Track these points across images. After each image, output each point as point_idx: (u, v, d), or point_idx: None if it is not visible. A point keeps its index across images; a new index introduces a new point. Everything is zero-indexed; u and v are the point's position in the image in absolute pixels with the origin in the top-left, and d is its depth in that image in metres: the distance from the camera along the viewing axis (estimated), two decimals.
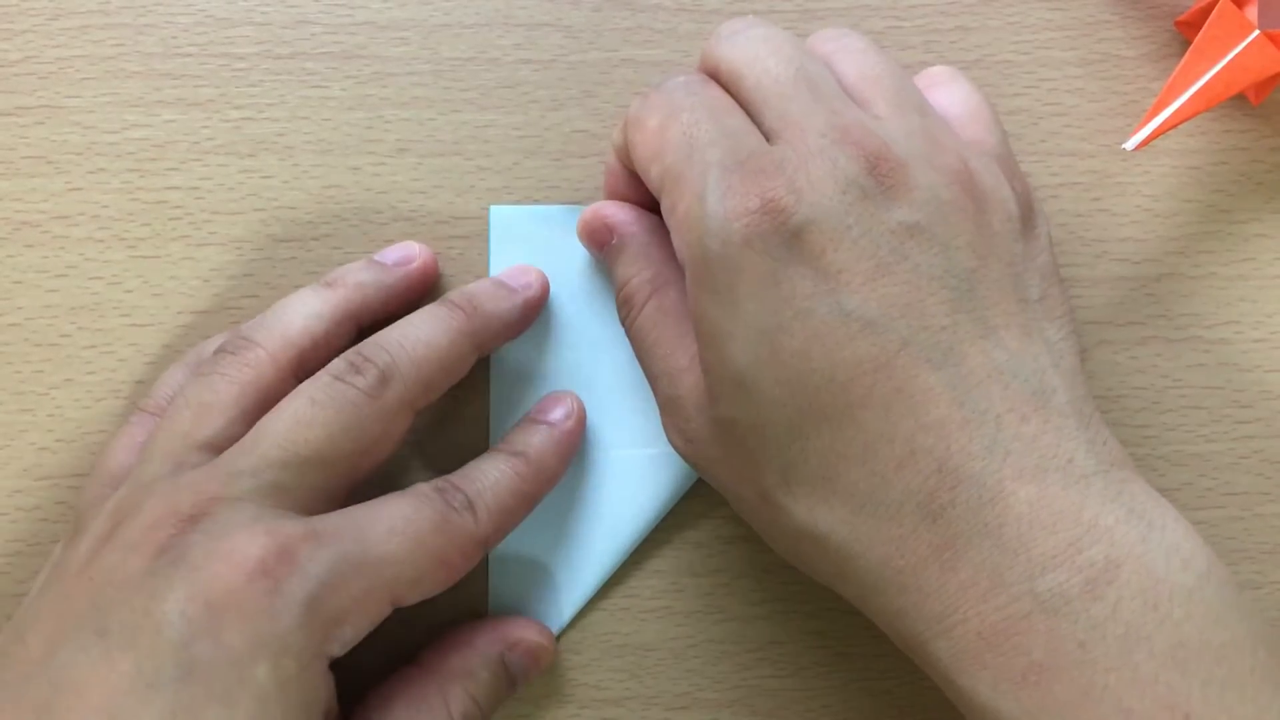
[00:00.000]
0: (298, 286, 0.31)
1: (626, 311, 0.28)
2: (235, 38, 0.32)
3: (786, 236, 0.23)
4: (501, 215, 0.31)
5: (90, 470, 0.28)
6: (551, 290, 0.31)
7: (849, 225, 0.23)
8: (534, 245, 0.31)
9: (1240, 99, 0.32)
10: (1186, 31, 0.33)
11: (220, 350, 0.27)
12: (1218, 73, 0.29)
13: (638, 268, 0.28)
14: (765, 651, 0.30)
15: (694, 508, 0.31)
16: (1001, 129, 0.27)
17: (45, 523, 0.30)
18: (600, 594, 0.30)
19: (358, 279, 0.29)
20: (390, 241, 0.31)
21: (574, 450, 0.29)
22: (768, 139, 0.25)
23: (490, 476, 0.27)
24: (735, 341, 0.24)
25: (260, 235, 0.31)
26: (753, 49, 0.26)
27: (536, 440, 0.28)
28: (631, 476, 0.30)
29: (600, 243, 0.29)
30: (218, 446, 0.26)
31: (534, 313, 0.30)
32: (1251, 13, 0.30)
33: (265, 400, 0.26)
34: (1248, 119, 0.33)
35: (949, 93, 0.27)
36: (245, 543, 0.23)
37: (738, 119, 0.25)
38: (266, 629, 0.22)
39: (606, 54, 0.32)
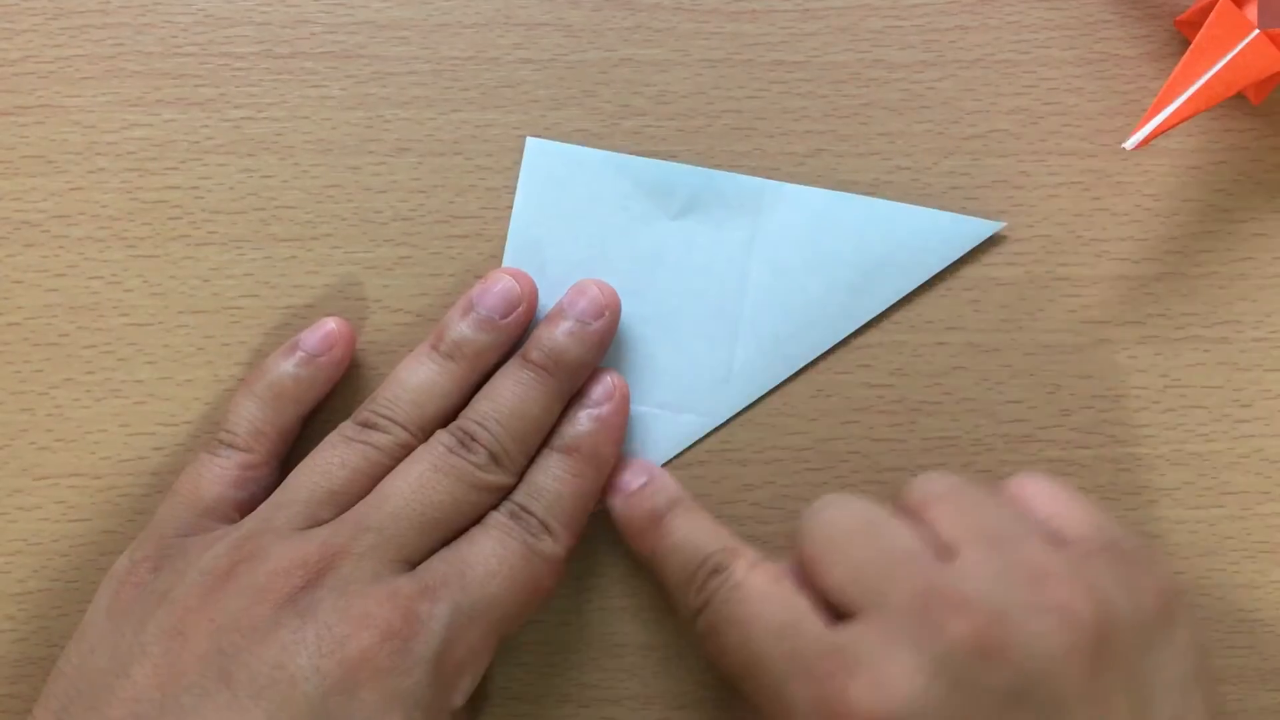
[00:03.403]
0: (298, 286, 0.31)
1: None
2: (235, 37, 0.32)
3: None
4: (538, 150, 0.31)
5: (168, 490, 0.28)
6: (576, 238, 0.31)
7: (949, 713, 0.22)
8: (566, 186, 0.31)
9: (1240, 99, 0.32)
10: (1186, 31, 0.33)
11: (366, 424, 0.28)
12: (1217, 72, 0.29)
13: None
14: None
15: None
16: (1103, 517, 0.25)
17: (45, 522, 0.30)
18: (600, 593, 0.30)
19: (476, 348, 0.29)
20: (390, 241, 0.31)
21: (624, 431, 0.30)
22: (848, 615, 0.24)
23: (553, 489, 0.28)
24: None
25: (260, 235, 0.31)
26: (827, 521, 0.25)
27: (587, 433, 0.29)
28: (632, 431, 0.31)
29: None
30: (348, 509, 0.27)
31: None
32: (1251, 12, 0.30)
33: None
34: (1248, 119, 0.33)
35: (1037, 493, 0.26)
36: (373, 606, 0.24)
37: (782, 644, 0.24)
38: (399, 685, 0.24)
39: (606, 54, 0.32)
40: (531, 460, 0.28)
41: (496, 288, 0.29)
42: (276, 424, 0.29)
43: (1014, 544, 0.24)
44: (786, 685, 0.23)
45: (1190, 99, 0.29)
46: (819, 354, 0.31)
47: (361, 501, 0.27)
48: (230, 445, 0.29)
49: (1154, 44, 0.33)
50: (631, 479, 0.30)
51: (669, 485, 0.29)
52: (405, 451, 0.28)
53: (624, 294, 0.31)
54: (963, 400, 0.31)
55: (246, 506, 0.28)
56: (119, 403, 0.31)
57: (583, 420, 0.29)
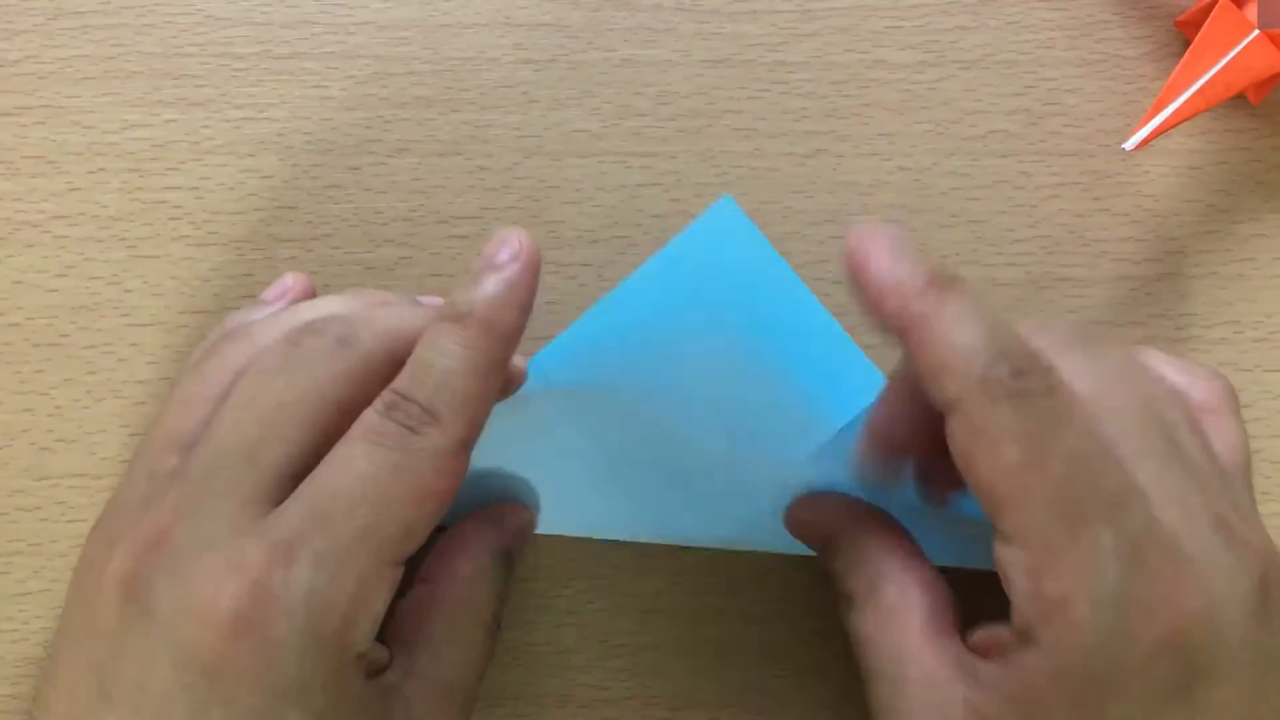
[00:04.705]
0: None
1: (846, 609, 0.26)
2: (235, 38, 0.32)
3: (1183, 675, 0.20)
4: (727, 212, 0.26)
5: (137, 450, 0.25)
6: (695, 313, 0.27)
7: (1244, 660, 0.20)
8: (722, 261, 0.27)
9: (1240, 99, 0.32)
10: (1186, 31, 0.33)
11: (209, 345, 0.25)
12: (1218, 73, 0.29)
13: (854, 562, 0.25)
14: (765, 651, 0.30)
15: None
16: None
17: (45, 523, 0.30)
18: (600, 594, 0.30)
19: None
20: (390, 241, 0.31)
21: (530, 296, 0.24)
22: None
23: (440, 363, 0.22)
24: None
25: (260, 235, 0.31)
26: (1109, 379, 0.22)
27: (483, 294, 0.23)
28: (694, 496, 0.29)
29: (811, 537, 0.27)
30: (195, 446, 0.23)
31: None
32: (1251, 13, 0.30)
33: None
34: (1248, 119, 0.33)
35: (1225, 434, 0.24)
36: (211, 590, 0.20)
37: (1119, 475, 0.21)
38: (278, 681, 0.20)
39: (606, 54, 0.32)
40: None
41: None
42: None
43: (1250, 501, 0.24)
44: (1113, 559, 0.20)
45: (1190, 99, 0.29)
46: None
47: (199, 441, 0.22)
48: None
49: (1154, 44, 0.33)
50: None
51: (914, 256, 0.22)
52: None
53: (693, 394, 0.27)
54: None
55: None
56: (119, 403, 0.31)
57: (482, 282, 0.23)
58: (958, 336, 0.21)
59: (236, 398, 0.22)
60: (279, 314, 0.26)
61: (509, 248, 0.23)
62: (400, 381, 0.22)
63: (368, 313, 0.24)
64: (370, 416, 0.22)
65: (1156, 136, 0.29)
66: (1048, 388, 0.20)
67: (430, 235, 0.31)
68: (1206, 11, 0.31)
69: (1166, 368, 0.25)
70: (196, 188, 0.31)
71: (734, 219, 0.26)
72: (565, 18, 0.32)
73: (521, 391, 0.27)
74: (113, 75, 0.32)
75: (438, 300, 0.28)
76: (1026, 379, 0.20)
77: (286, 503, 0.21)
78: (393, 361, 0.23)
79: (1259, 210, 0.32)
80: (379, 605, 0.22)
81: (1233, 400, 0.25)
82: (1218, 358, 0.31)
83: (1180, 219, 0.32)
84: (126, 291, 0.31)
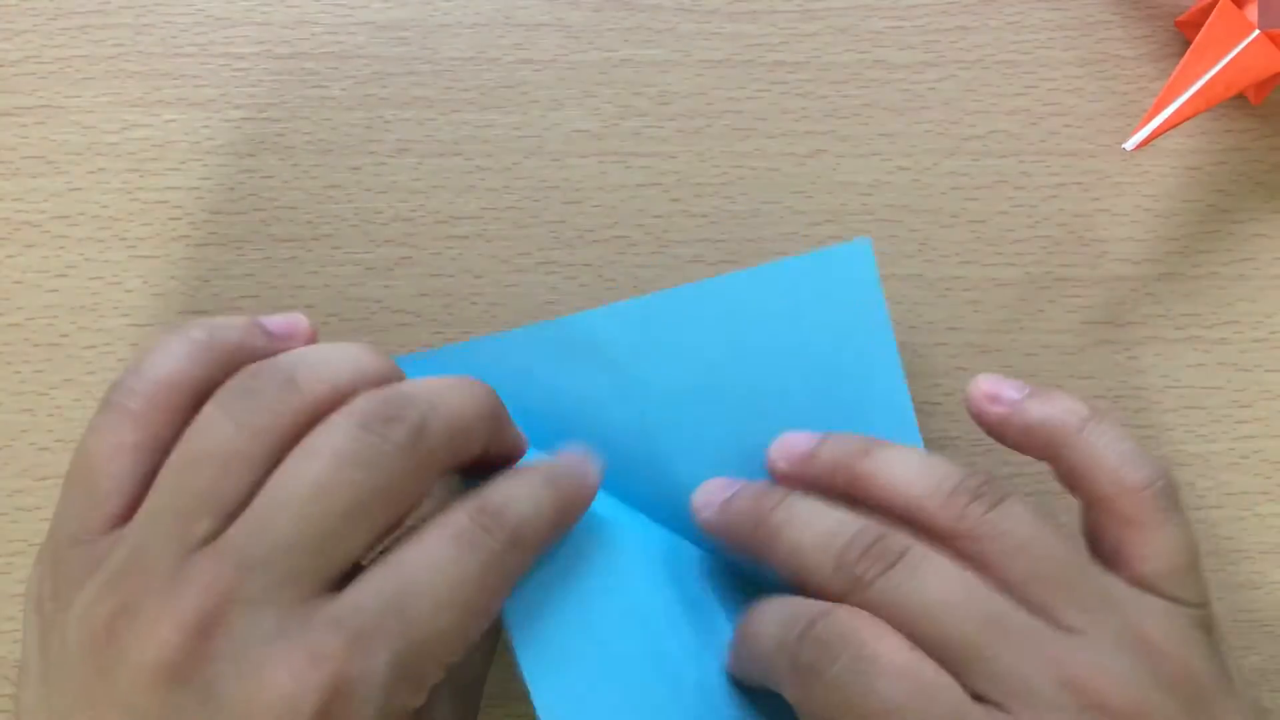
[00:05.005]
0: (298, 287, 0.31)
1: None
2: (235, 38, 0.32)
3: None
4: (858, 252, 0.27)
5: (64, 477, 0.23)
6: (795, 333, 0.27)
7: None
8: (840, 291, 0.27)
9: (1240, 99, 0.32)
10: (1186, 31, 0.33)
11: (246, 386, 0.22)
12: (1218, 73, 0.29)
13: None
14: None
15: None
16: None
17: (45, 523, 0.30)
18: None
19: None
20: (390, 241, 0.31)
21: (581, 514, 0.25)
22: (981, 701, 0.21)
23: (532, 502, 0.23)
24: None
25: (260, 235, 0.31)
26: (930, 593, 0.22)
27: (576, 482, 0.24)
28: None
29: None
30: (234, 512, 0.21)
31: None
32: (1251, 13, 0.30)
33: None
34: (1248, 119, 0.33)
35: (1160, 538, 0.24)
36: (285, 679, 0.19)
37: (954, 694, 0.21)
38: None
39: (606, 54, 0.32)
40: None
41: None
42: (196, 377, 0.22)
43: (1110, 602, 0.23)
44: None
45: (1190, 99, 0.29)
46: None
47: (245, 513, 0.21)
48: (126, 405, 0.22)
49: (1154, 44, 0.33)
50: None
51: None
52: (298, 420, 0.22)
53: (730, 409, 0.27)
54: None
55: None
56: None
57: (576, 468, 0.25)
58: (760, 647, 0.24)
59: (307, 480, 0.21)
60: (325, 360, 0.23)
61: (587, 466, 0.25)
62: (494, 498, 0.23)
63: (430, 393, 0.23)
64: (462, 520, 0.22)
65: (1157, 136, 0.29)
66: (840, 654, 0.22)
67: (430, 235, 0.31)
68: (1206, 11, 0.31)
69: (1096, 465, 0.24)
70: (196, 188, 0.31)
71: (862, 262, 0.27)
72: (565, 18, 0.32)
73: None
74: (113, 75, 0.32)
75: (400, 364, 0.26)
76: (815, 658, 0.22)
77: (360, 586, 0.21)
78: (453, 453, 0.23)
79: (1259, 210, 0.32)
80: (426, 691, 0.22)
81: (1165, 500, 0.24)
82: (1218, 358, 0.31)
83: (1180, 219, 0.32)
84: (126, 291, 0.31)
